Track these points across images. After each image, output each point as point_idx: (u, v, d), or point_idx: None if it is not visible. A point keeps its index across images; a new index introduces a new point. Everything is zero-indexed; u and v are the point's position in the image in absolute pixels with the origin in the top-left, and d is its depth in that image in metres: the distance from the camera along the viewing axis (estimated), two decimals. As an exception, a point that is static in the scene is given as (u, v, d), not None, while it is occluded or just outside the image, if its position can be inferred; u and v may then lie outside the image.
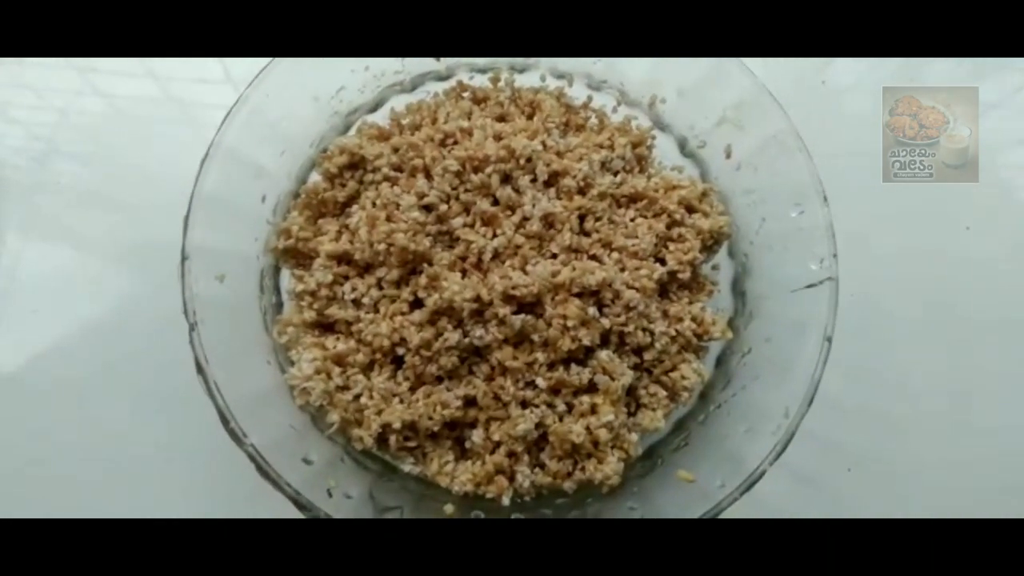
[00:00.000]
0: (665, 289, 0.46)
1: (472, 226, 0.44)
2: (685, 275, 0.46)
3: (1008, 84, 0.60)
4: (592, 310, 0.42)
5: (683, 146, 0.51)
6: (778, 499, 0.50)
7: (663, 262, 0.45)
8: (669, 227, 0.46)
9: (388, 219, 0.42)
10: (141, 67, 0.60)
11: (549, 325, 0.42)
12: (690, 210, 0.47)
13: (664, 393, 0.45)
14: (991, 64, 0.58)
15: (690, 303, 0.47)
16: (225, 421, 0.38)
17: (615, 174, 0.47)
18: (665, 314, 0.45)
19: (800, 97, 0.50)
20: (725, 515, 0.40)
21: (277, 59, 0.43)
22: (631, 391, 0.44)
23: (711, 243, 0.48)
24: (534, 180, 0.45)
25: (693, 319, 0.46)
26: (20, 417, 0.52)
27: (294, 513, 0.39)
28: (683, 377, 0.45)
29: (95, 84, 0.61)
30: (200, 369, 0.39)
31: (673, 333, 0.45)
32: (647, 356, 0.44)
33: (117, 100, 0.60)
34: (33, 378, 0.53)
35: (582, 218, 0.45)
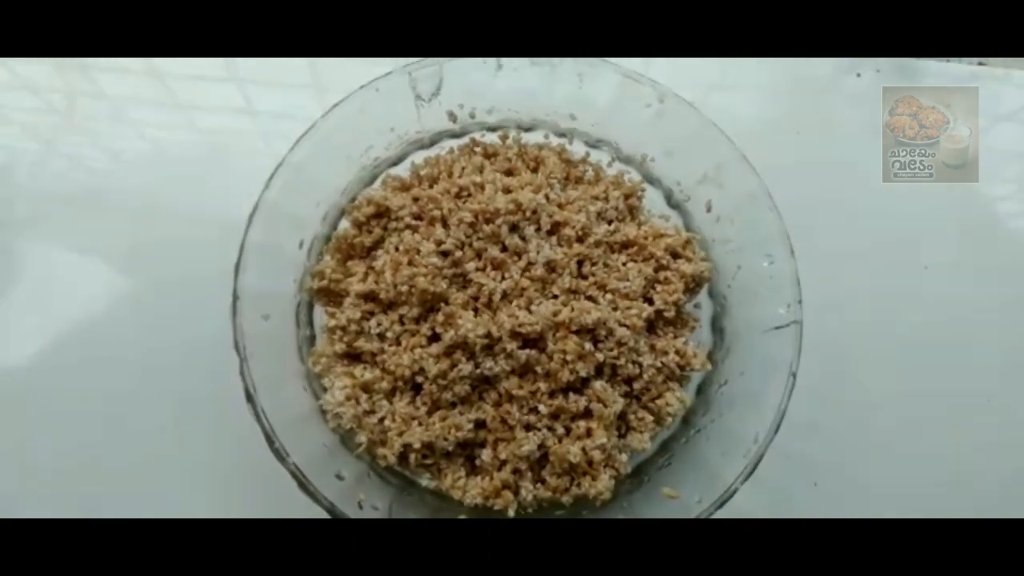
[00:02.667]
0: (652, 325, 0.49)
1: (484, 270, 0.46)
2: (670, 313, 0.49)
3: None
4: (588, 345, 0.44)
5: (669, 198, 0.54)
6: (751, 511, 0.53)
7: (651, 302, 0.48)
8: (656, 271, 0.49)
9: (410, 263, 0.45)
10: (142, 65, 0.60)
11: (551, 358, 0.44)
12: (675, 256, 0.50)
13: (651, 418, 0.47)
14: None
15: (674, 338, 0.49)
16: (271, 441, 0.42)
17: (609, 223, 0.50)
18: (652, 348, 0.48)
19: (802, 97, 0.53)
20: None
21: (316, 125, 0.48)
22: (622, 416, 0.47)
23: (693, 285, 0.50)
24: (538, 230, 0.47)
25: (677, 352, 0.48)
26: (27, 420, 0.53)
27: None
28: (668, 404, 0.47)
29: (95, 80, 0.61)
30: (249, 398, 0.42)
31: (659, 365, 0.47)
32: (636, 385, 0.47)
33: (117, 101, 0.60)
34: (37, 380, 0.53)
35: (580, 263, 0.48)
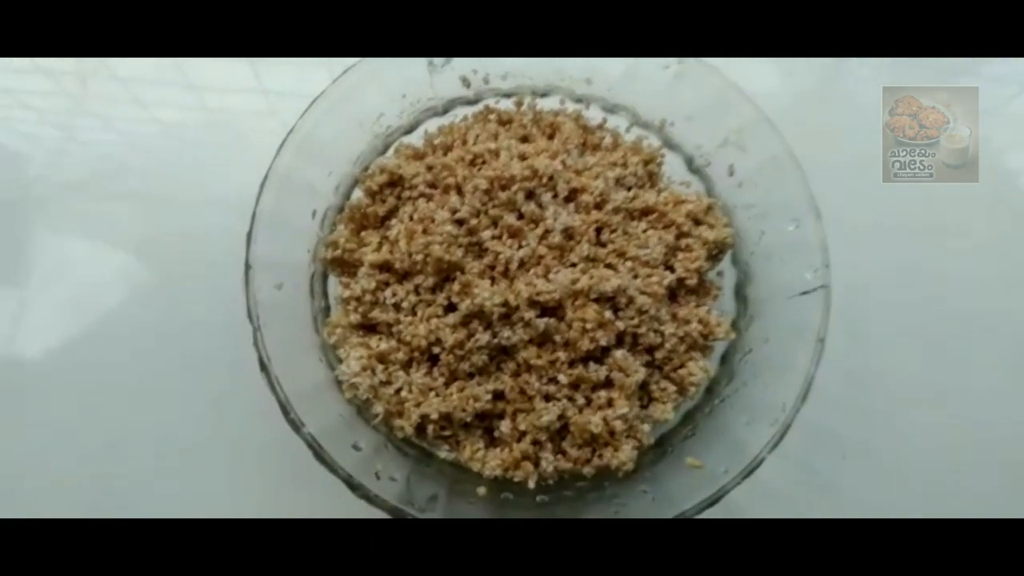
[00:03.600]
0: (674, 294, 0.48)
1: (500, 238, 0.45)
2: (692, 281, 0.47)
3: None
4: (608, 314, 0.43)
5: (690, 163, 0.53)
6: (777, 484, 0.54)
7: (672, 270, 0.47)
8: (678, 238, 0.48)
9: (424, 232, 0.44)
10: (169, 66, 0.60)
11: (570, 327, 0.43)
12: (696, 222, 0.48)
13: (673, 388, 0.46)
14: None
15: (697, 306, 0.48)
16: (286, 412, 0.41)
17: (628, 189, 0.48)
18: (674, 317, 0.46)
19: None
20: (734, 513, 0.43)
21: (326, 91, 0.47)
22: (643, 386, 0.46)
23: (716, 252, 0.49)
24: (555, 196, 0.46)
25: (700, 321, 0.47)
26: (45, 411, 0.53)
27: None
28: (691, 374, 0.46)
29: (108, 65, 0.60)
30: (263, 367, 0.41)
31: (681, 334, 0.46)
32: (658, 355, 0.46)
33: (130, 84, 0.60)
34: (60, 373, 0.53)
35: (599, 230, 0.46)
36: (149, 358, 0.53)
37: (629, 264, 0.45)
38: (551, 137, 0.50)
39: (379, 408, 0.44)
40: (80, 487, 0.51)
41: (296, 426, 0.41)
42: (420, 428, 0.44)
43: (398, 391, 0.44)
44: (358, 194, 0.49)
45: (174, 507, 0.49)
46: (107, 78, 0.60)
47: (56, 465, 0.51)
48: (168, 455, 0.51)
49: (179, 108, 0.61)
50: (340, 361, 0.45)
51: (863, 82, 0.58)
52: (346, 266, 0.48)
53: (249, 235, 0.42)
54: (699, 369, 0.46)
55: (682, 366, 0.47)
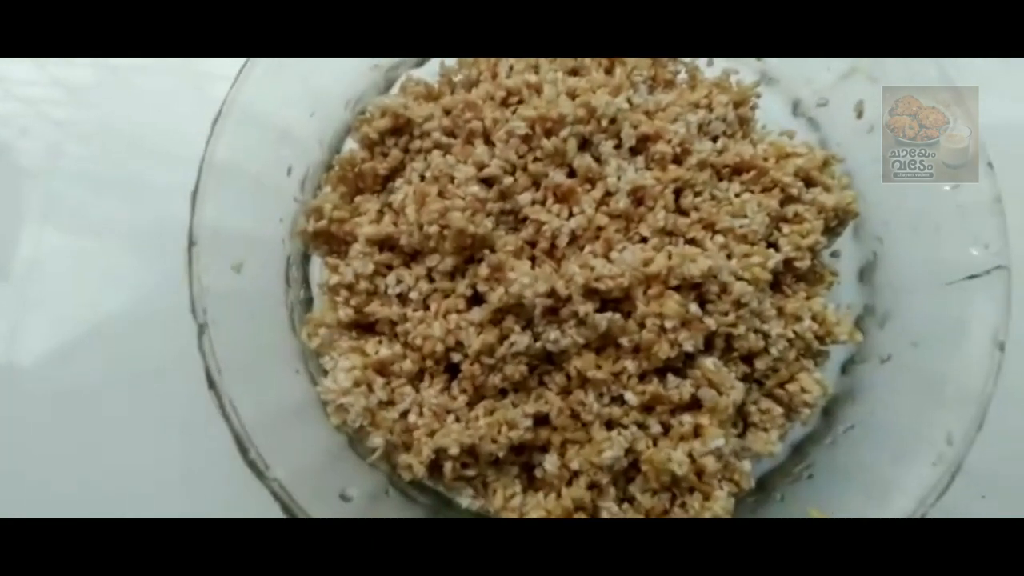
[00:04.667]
0: (778, 281, 0.42)
1: (543, 203, 0.41)
2: (803, 263, 0.42)
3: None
4: (693, 307, 0.38)
5: (796, 106, 0.46)
6: None
7: (777, 247, 0.42)
8: (783, 204, 0.42)
9: (440, 195, 0.40)
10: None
11: (642, 326, 0.38)
12: (808, 183, 0.43)
13: (779, 410, 0.41)
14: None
15: (808, 298, 0.43)
16: (244, 449, 0.34)
17: (715, 139, 0.43)
18: (780, 311, 0.41)
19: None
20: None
21: None
22: (739, 408, 0.41)
23: (835, 224, 0.43)
24: (619, 146, 0.41)
25: (814, 318, 0.41)
26: (25, 413, 0.50)
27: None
28: (803, 390, 0.41)
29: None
30: (212, 383, 0.35)
31: (791, 335, 0.41)
32: (759, 364, 0.41)
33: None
34: (42, 372, 0.51)
35: (678, 193, 0.41)
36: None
37: (720, 239, 0.40)
38: (608, 70, 0.44)
39: (378, 439, 0.39)
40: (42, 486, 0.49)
41: (257, 469, 0.34)
42: (434, 466, 0.40)
43: (404, 415, 0.40)
44: (352, 145, 0.44)
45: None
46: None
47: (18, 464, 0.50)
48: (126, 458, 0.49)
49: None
50: (325, 373, 0.41)
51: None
52: (334, 242, 0.43)
53: (194, 195, 0.36)
54: (814, 384, 0.41)
55: (791, 379, 0.41)
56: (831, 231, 0.43)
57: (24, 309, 0.52)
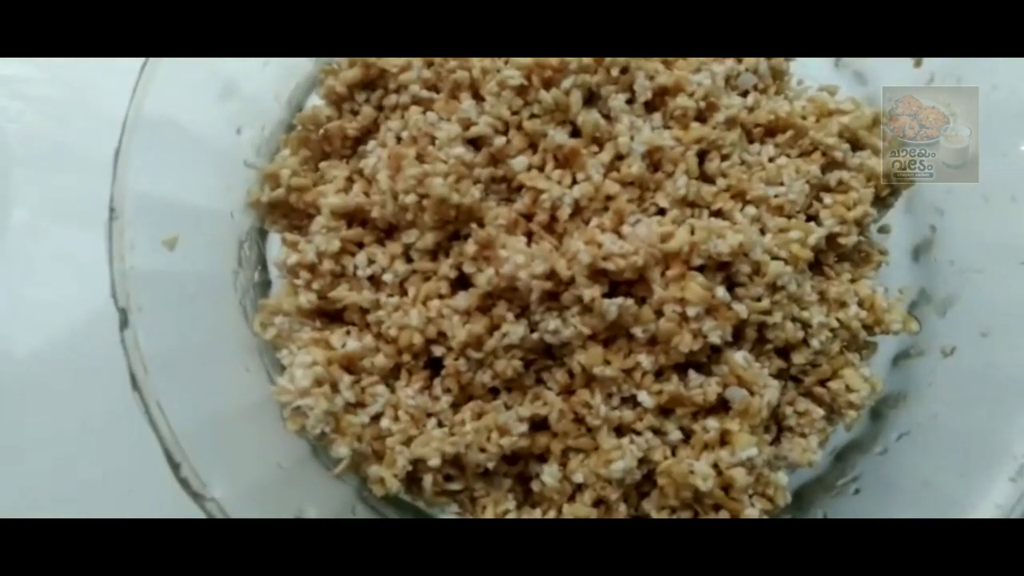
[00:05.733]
0: (818, 260, 0.40)
1: (541, 168, 0.38)
2: (849, 239, 0.39)
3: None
4: (721, 291, 0.35)
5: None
6: None
7: (818, 221, 0.39)
8: (825, 170, 0.40)
9: (419, 159, 0.37)
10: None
11: (659, 314, 0.36)
12: (855, 146, 0.40)
13: (820, 412, 0.39)
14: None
15: (854, 280, 0.40)
16: (175, 465, 0.30)
17: (744, 94, 0.40)
18: (822, 296, 0.39)
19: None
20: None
21: None
22: (774, 410, 0.39)
23: (886, 194, 0.40)
24: (631, 100, 0.38)
25: (861, 304, 0.39)
26: None
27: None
28: (848, 388, 0.38)
29: None
30: (136, 383, 0.30)
31: (834, 324, 0.38)
32: (796, 358, 0.38)
33: None
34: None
35: (701, 156, 0.39)
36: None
37: (752, 211, 0.38)
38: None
39: (343, 449, 0.36)
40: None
41: (191, 489, 0.30)
42: (412, 479, 0.37)
43: (376, 419, 0.37)
44: (316, 101, 0.42)
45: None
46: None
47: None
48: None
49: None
50: (283, 369, 0.38)
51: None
52: (295, 215, 0.41)
53: (117, 154, 0.32)
54: (861, 381, 0.39)
55: (834, 376, 0.39)
56: (881, 202, 0.41)
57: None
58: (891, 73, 0.42)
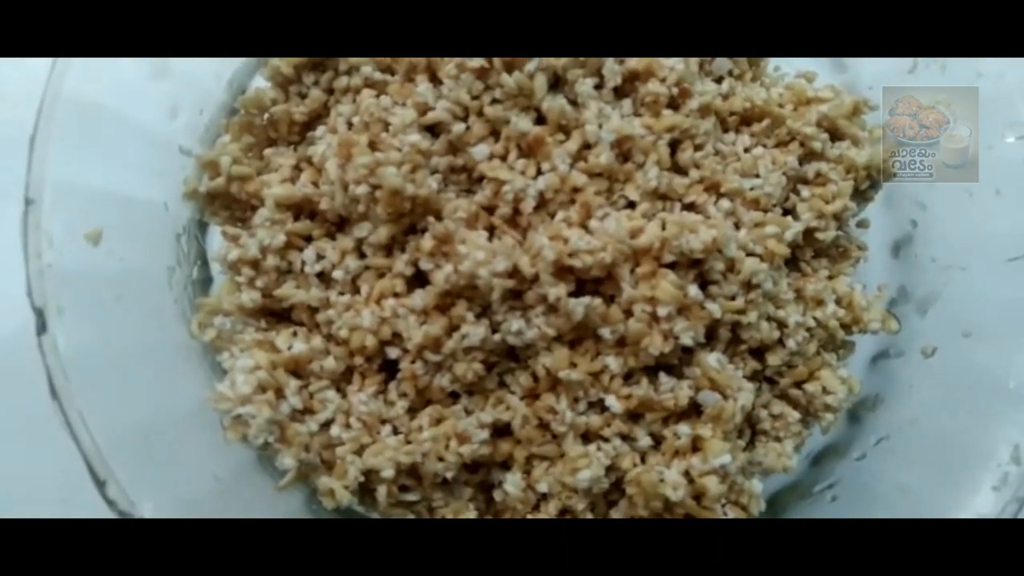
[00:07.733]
0: (795, 257, 0.39)
1: (503, 158, 0.37)
2: (826, 235, 0.38)
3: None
4: (693, 289, 0.34)
5: None
6: None
7: (795, 215, 0.38)
8: (802, 161, 0.39)
9: (372, 146, 0.35)
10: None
11: (628, 314, 0.35)
12: (834, 136, 0.40)
13: (796, 415, 0.38)
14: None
15: (831, 277, 0.40)
16: (99, 481, 0.28)
17: (719, 81, 0.39)
18: (799, 294, 0.38)
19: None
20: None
21: None
22: (748, 414, 0.38)
23: (866, 186, 0.40)
24: (600, 85, 0.37)
25: (839, 301, 0.39)
26: None
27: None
28: (824, 390, 0.38)
29: None
30: (55, 392, 0.29)
31: (811, 324, 0.38)
32: (771, 359, 0.38)
33: None
34: None
35: (673, 146, 0.37)
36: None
37: (726, 204, 0.37)
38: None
39: (289, 460, 0.35)
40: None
41: (116, 505, 0.28)
42: (365, 490, 0.36)
43: (325, 427, 0.36)
44: (261, 83, 0.40)
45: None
46: None
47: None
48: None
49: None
50: (225, 373, 0.36)
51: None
52: (236, 206, 0.39)
53: (33, 140, 0.30)
54: (838, 382, 0.38)
55: (810, 378, 0.39)
56: (861, 195, 0.40)
57: None
58: (871, 61, 0.40)
